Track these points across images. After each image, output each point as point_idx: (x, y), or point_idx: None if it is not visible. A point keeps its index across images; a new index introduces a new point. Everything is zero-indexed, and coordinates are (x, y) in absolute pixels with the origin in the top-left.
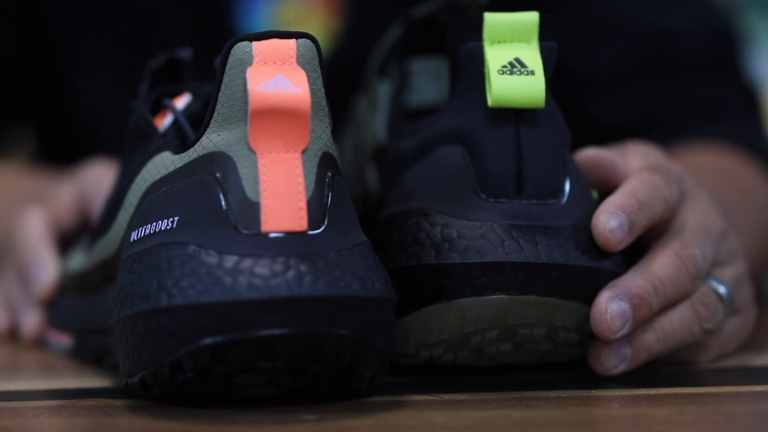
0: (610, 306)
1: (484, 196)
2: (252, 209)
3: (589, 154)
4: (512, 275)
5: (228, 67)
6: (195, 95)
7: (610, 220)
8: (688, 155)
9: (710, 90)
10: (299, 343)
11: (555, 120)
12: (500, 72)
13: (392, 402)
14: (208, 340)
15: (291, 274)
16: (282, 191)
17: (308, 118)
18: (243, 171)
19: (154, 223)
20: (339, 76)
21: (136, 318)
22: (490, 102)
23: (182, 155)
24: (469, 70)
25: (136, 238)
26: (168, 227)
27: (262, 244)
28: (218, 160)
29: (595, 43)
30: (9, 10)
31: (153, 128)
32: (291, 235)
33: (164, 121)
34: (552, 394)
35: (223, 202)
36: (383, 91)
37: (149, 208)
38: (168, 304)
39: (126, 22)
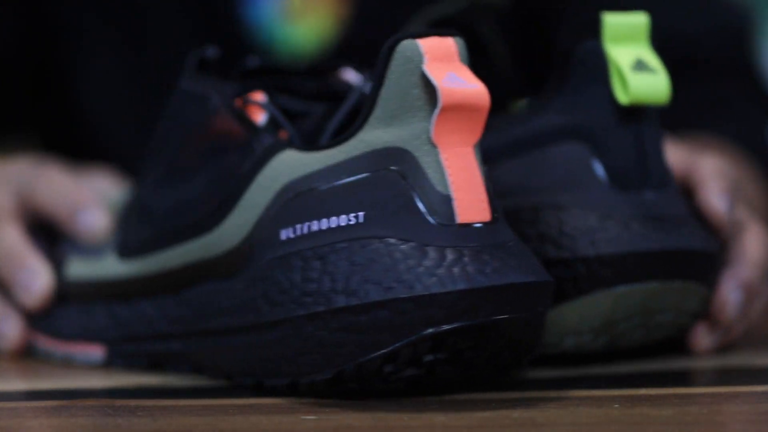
0: (732, 296)
1: (615, 189)
2: (444, 202)
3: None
4: (659, 262)
5: (393, 64)
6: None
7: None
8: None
9: (724, 92)
10: (510, 328)
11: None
12: (633, 71)
13: (392, 402)
14: (430, 330)
15: (497, 263)
16: (466, 184)
17: (485, 114)
18: (426, 165)
19: (324, 220)
20: (347, 64)
21: (333, 314)
22: (625, 99)
23: (329, 152)
24: (590, 68)
25: (291, 236)
26: (352, 222)
27: (462, 236)
28: (395, 156)
29: None
30: (11, 7)
31: (251, 126)
32: (482, 226)
33: (259, 120)
34: (552, 394)
35: (414, 196)
36: None
37: (302, 206)
38: (385, 298)
39: (129, 14)
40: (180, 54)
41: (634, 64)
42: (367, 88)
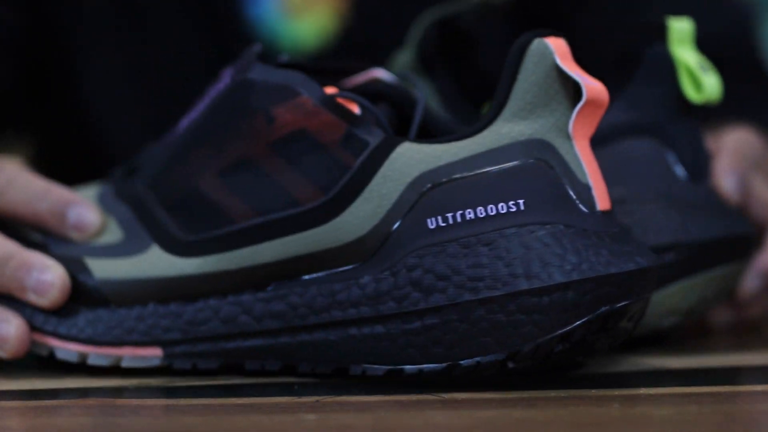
0: (754, 281)
1: (689, 180)
2: (586, 191)
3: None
4: (738, 246)
5: (527, 61)
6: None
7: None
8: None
9: (739, 92)
10: (641, 307)
11: None
12: (702, 71)
13: (392, 402)
14: (605, 308)
15: (639, 247)
16: (595, 174)
17: (605, 110)
18: (566, 156)
19: (480, 208)
20: (347, 58)
21: (512, 297)
22: (697, 97)
23: (462, 144)
24: (658, 69)
25: (442, 225)
26: (513, 210)
27: (603, 222)
28: (538, 146)
29: None
30: (14, 6)
31: (354, 118)
32: (609, 213)
33: (356, 112)
34: (552, 393)
35: (565, 185)
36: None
37: (448, 195)
38: (569, 279)
39: (130, 12)
40: (182, 50)
41: (699, 65)
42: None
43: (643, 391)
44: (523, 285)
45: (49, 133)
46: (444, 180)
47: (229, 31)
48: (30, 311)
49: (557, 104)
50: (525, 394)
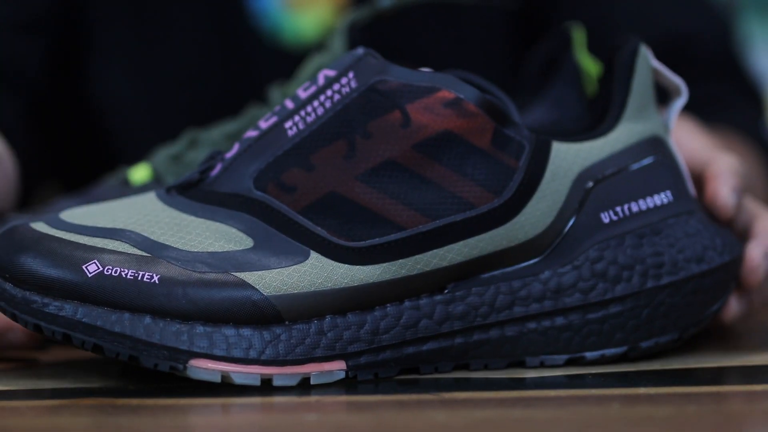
0: (761, 260)
1: None
2: (687, 181)
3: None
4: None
5: (638, 64)
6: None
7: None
8: None
9: (721, 88)
10: None
11: None
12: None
13: (392, 402)
14: (733, 285)
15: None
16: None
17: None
18: (672, 150)
19: (641, 201)
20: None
21: (687, 281)
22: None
23: (601, 142)
24: (571, 73)
25: (615, 219)
26: (665, 201)
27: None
28: (657, 142)
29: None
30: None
31: (505, 119)
32: None
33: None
34: (552, 393)
35: (683, 175)
36: None
37: (611, 190)
38: (722, 261)
39: (134, 6)
40: (186, 42)
41: (594, 69)
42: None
43: (643, 391)
44: (695, 269)
45: (65, 135)
46: (600, 177)
47: (232, 24)
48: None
49: (657, 103)
50: (524, 394)
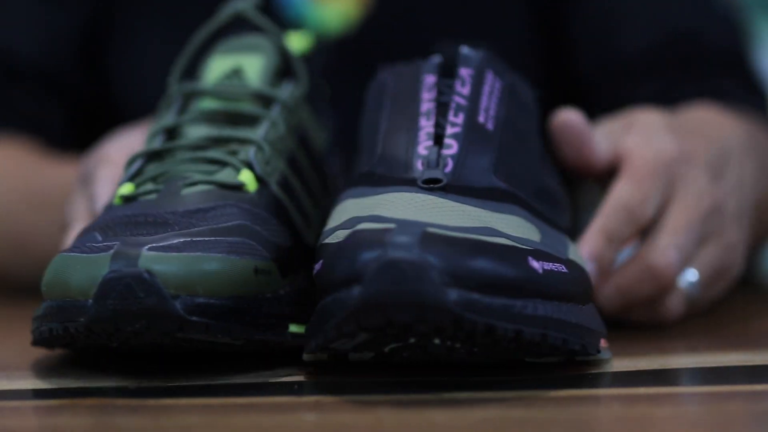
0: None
1: None
2: None
3: (570, 119)
4: None
5: None
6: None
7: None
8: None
9: (727, 83)
10: None
11: None
12: None
13: (392, 401)
14: None
15: None
16: None
17: None
18: None
19: None
20: (370, 46)
21: None
22: None
23: None
24: None
25: None
26: None
27: None
28: None
29: (626, 34)
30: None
31: None
32: None
33: None
34: (552, 394)
35: None
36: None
37: None
38: None
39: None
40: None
41: None
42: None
43: (643, 391)
44: None
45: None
46: None
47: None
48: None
49: None
50: (524, 394)
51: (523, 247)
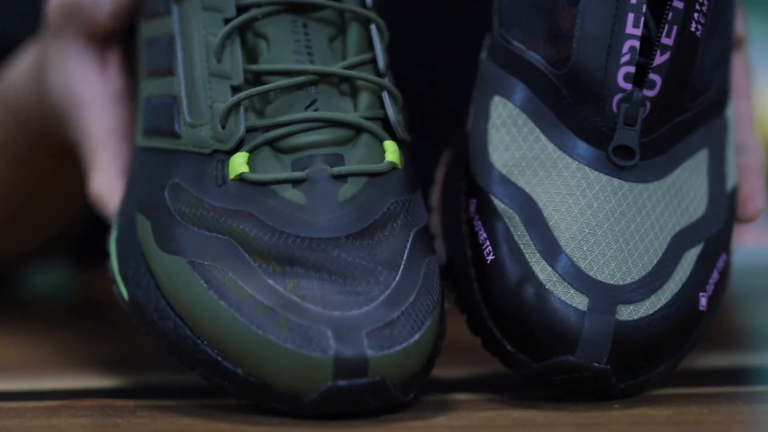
0: None
1: None
2: None
3: None
4: None
5: None
6: None
7: None
8: None
9: None
10: None
11: None
12: None
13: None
14: None
15: None
16: None
17: None
18: None
19: None
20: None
21: None
22: None
23: None
24: None
25: None
26: None
27: None
28: None
29: None
30: None
31: None
32: None
33: None
34: (552, 394)
35: None
36: None
37: None
38: None
39: None
40: None
41: None
42: None
43: (642, 391)
44: None
45: None
46: None
47: None
48: None
49: None
50: (524, 394)
51: (693, 282)
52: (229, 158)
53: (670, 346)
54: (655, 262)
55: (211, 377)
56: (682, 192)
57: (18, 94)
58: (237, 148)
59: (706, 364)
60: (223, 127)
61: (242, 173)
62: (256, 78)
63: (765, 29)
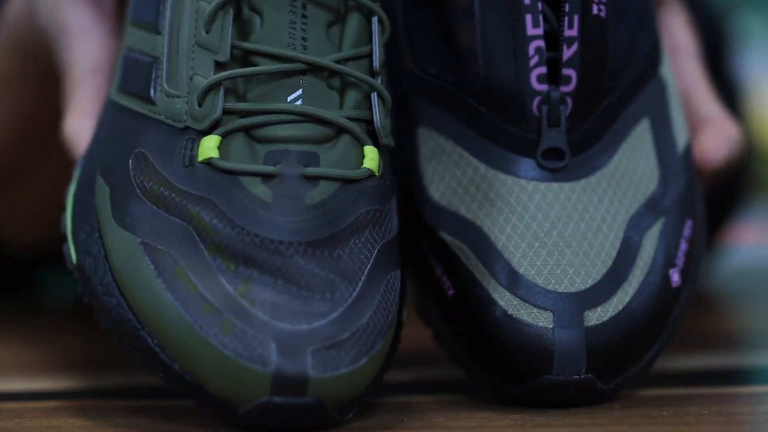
0: None
1: None
2: None
3: None
4: None
5: None
6: None
7: None
8: None
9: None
10: None
11: None
12: None
13: (393, 402)
14: None
15: None
16: None
17: None
18: None
19: None
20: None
21: None
22: None
23: None
24: None
25: None
26: None
27: None
28: None
29: None
30: None
31: None
32: None
33: None
34: None
35: None
36: None
37: None
38: None
39: None
40: None
41: None
42: None
43: (643, 392)
44: None
45: None
46: None
47: None
48: None
49: None
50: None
51: (659, 262)
52: (200, 139)
53: (650, 333)
54: (614, 255)
55: (147, 365)
56: (629, 173)
57: (18, 23)
58: (210, 130)
59: (706, 364)
60: (200, 105)
61: (211, 158)
62: (243, 56)
63: (765, 29)
